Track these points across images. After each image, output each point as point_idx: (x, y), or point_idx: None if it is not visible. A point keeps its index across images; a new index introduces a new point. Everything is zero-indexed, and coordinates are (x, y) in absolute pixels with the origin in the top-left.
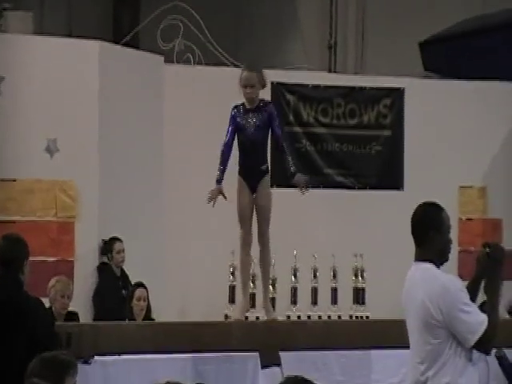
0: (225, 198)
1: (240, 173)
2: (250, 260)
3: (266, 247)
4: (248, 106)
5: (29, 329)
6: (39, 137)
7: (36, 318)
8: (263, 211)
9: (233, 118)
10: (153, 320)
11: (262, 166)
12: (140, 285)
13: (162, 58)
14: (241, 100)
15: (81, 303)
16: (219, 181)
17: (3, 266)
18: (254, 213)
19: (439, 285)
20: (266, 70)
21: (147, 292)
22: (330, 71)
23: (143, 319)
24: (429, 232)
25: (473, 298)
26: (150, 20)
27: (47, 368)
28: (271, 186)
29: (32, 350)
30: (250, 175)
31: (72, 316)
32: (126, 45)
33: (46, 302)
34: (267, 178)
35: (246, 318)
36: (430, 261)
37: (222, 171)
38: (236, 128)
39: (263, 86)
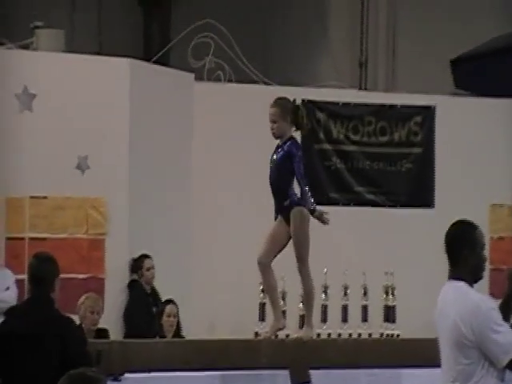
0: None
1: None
2: (271, 282)
3: (304, 279)
4: (279, 143)
5: (62, 348)
6: (70, 154)
7: (69, 338)
8: (295, 246)
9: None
10: (182, 337)
11: (284, 202)
12: (170, 301)
13: (193, 76)
14: (266, 117)
15: (111, 320)
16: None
17: (34, 284)
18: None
19: (471, 304)
20: (296, 87)
21: (177, 309)
22: (360, 89)
23: (173, 336)
24: (463, 250)
25: (505, 318)
26: (180, 37)
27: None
28: None
29: (64, 369)
30: (279, 210)
31: (102, 333)
32: (157, 62)
33: (76, 320)
34: (295, 210)
35: (276, 336)
36: (463, 279)
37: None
38: None
39: (291, 120)
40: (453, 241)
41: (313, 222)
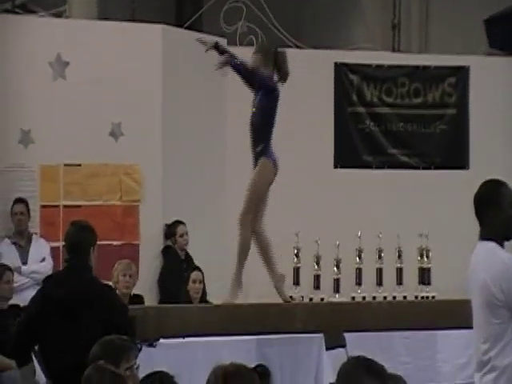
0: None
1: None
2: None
3: (242, 229)
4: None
5: (102, 316)
6: (103, 121)
7: (110, 306)
8: (247, 190)
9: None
10: (208, 303)
11: (256, 148)
12: (196, 268)
13: (225, 41)
14: (298, 81)
15: (146, 286)
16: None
17: (72, 252)
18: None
19: (500, 264)
20: (329, 50)
21: (203, 275)
22: (393, 50)
23: (199, 302)
24: (488, 209)
25: None
26: (212, 2)
27: (105, 351)
28: (335, 166)
29: (105, 334)
30: (253, 160)
31: (137, 299)
32: (189, 28)
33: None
34: (262, 161)
35: (311, 299)
36: (493, 239)
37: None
38: (246, 83)
39: (273, 66)
40: (479, 200)
41: (343, 186)
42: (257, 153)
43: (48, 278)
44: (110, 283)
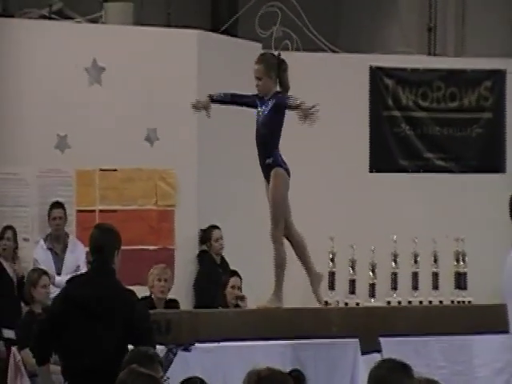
0: (208, 114)
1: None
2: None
3: (275, 244)
4: (264, 97)
5: (123, 321)
6: (139, 126)
7: (131, 311)
8: (270, 207)
9: (254, 99)
10: None
11: (266, 160)
12: (234, 273)
13: (260, 46)
14: (334, 85)
15: (181, 291)
16: (211, 96)
17: (95, 254)
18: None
19: None
20: (364, 54)
21: (241, 281)
22: (429, 54)
23: (234, 307)
24: None
25: None
26: (248, 7)
27: (136, 359)
28: (371, 170)
29: (126, 341)
30: (262, 170)
31: (172, 303)
32: (225, 33)
33: (146, 291)
34: (275, 172)
35: (346, 304)
36: None
37: (220, 94)
38: (249, 106)
39: (276, 76)
40: None
41: (379, 190)
42: (268, 165)
43: (72, 280)
44: (146, 288)
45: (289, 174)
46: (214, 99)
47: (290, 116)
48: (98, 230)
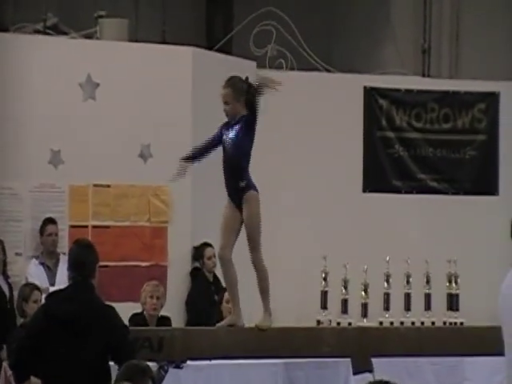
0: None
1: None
2: (231, 276)
3: (258, 271)
4: (230, 122)
5: (104, 336)
6: (133, 142)
7: (112, 326)
8: (248, 231)
9: (219, 131)
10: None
11: (239, 183)
12: None
13: (255, 64)
14: (328, 104)
15: (174, 308)
16: (183, 158)
17: (76, 270)
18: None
19: None
20: (358, 74)
21: None
22: (423, 75)
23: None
24: None
25: None
26: (243, 26)
27: (127, 374)
28: (364, 190)
29: (106, 356)
30: (232, 193)
31: (164, 321)
32: (219, 50)
33: (139, 307)
34: (250, 195)
35: (339, 323)
36: None
37: (188, 153)
38: (220, 143)
39: (245, 100)
40: None
41: (372, 210)
42: (241, 188)
43: (51, 295)
44: (139, 305)
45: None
46: (185, 159)
47: (284, 138)
48: (78, 246)
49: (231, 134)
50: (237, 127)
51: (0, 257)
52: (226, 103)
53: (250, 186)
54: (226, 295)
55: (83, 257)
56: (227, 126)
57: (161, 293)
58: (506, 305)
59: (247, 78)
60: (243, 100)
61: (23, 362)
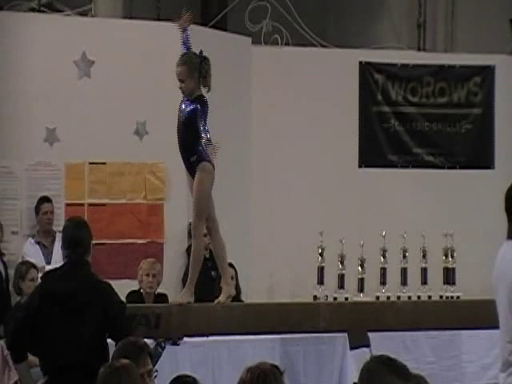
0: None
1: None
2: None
3: (195, 239)
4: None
5: (101, 312)
6: (128, 120)
7: (108, 302)
8: (193, 201)
9: (180, 104)
10: (241, 301)
11: (191, 158)
12: (229, 265)
13: (250, 40)
14: (323, 80)
15: (171, 285)
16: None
17: (71, 248)
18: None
19: None
20: (353, 49)
21: (236, 273)
22: (419, 50)
23: (232, 300)
24: None
25: None
26: (237, 1)
27: (126, 351)
28: (360, 165)
29: (103, 332)
30: (187, 167)
31: (161, 298)
32: (214, 27)
33: (136, 285)
34: (201, 165)
35: (335, 298)
36: None
37: None
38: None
39: (199, 76)
40: (511, 199)
41: (368, 185)
42: (192, 162)
43: (47, 274)
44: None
45: (213, 166)
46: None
47: (279, 114)
48: (72, 223)
49: (184, 110)
50: (191, 105)
51: None
52: (180, 81)
53: (202, 158)
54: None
55: (77, 234)
56: (186, 99)
57: (157, 270)
58: (500, 277)
59: (201, 52)
60: (197, 76)
61: (20, 341)
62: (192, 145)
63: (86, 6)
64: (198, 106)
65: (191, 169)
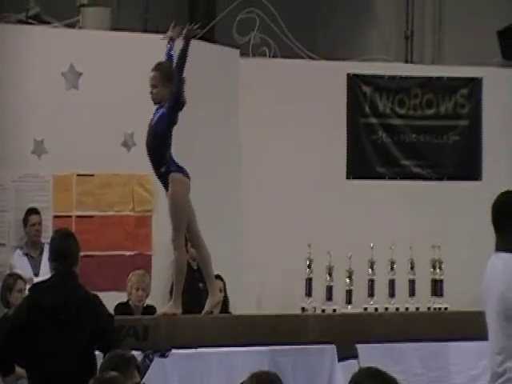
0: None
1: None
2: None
3: (176, 250)
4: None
5: (90, 324)
6: (116, 131)
7: (97, 314)
8: (169, 212)
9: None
10: (229, 313)
11: (160, 169)
12: (217, 276)
13: (238, 52)
14: (311, 92)
15: (158, 297)
16: None
17: (58, 260)
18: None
19: None
20: (341, 61)
21: (224, 285)
22: (406, 61)
23: (220, 312)
24: (508, 221)
25: None
26: (225, 13)
27: (113, 364)
28: (348, 177)
29: (92, 344)
30: (159, 178)
31: (149, 309)
32: (202, 38)
33: (124, 297)
34: (172, 177)
35: (323, 310)
36: (511, 251)
37: None
38: None
39: (172, 85)
40: (498, 211)
41: (356, 197)
42: (162, 173)
43: (35, 286)
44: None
45: (188, 176)
46: None
47: (267, 126)
48: (59, 235)
49: (152, 119)
50: (158, 113)
51: None
52: (153, 86)
53: (172, 170)
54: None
55: (65, 246)
56: (156, 110)
57: (146, 283)
58: (489, 289)
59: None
60: (171, 87)
61: (8, 354)
62: (159, 155)
63: (74, 17)
64: (165, 111)
65: (162, 179)
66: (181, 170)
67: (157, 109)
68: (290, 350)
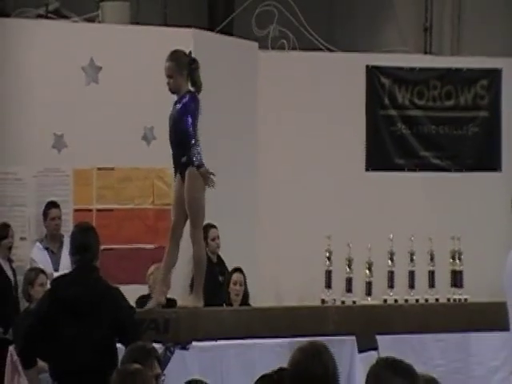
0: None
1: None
2: (173, 254)
3: (195, 245)
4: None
5: (111, 317)
6: (136, 125)
7: (118, 308)
8: (187, 207)
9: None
10: (250, 305)
11: (181, 158)
12: (237, 269)
13: (257, 45)
14: (330, 84)
15: (178, 290)
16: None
17: (79, 254)
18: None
19: None
20: (360, 53)
21: (244, 277)
22: (425, 53)
23: (240, 304)
24: None
25: None
26: (244, 7)
27: (133, 356)
28: (367, 169)
29: (113, 337)
30: (176, 167)
31: (170, 303)
32: (221, 32)
33: (144, 290)
34: (192, 171)
35: (343, 302)
36: None
37: None
38: None
39: (188, 75)
40: None
41: (375, 189)
42: (183, 163)
43: (56, 280)
44: (146, 287)
45: (205, 168)
46: None
47: (286, 119)
48: (80, 229)
49: (175, 109)
50: (180, 103)
51: (7, 242)
52: (169, 76)
53: (191, 162)
54: (234, 276)
55: (85, 240)
56: (175, 103)
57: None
58: (510, 281)
59: (190, 53)
60: (186, 74)
61: (31, 347)
62: (183, 144)
63: (94, 12)
64: (188, 99)
65: (181, 169)
66: (199, 163)
67: (176, 101)
68: None
